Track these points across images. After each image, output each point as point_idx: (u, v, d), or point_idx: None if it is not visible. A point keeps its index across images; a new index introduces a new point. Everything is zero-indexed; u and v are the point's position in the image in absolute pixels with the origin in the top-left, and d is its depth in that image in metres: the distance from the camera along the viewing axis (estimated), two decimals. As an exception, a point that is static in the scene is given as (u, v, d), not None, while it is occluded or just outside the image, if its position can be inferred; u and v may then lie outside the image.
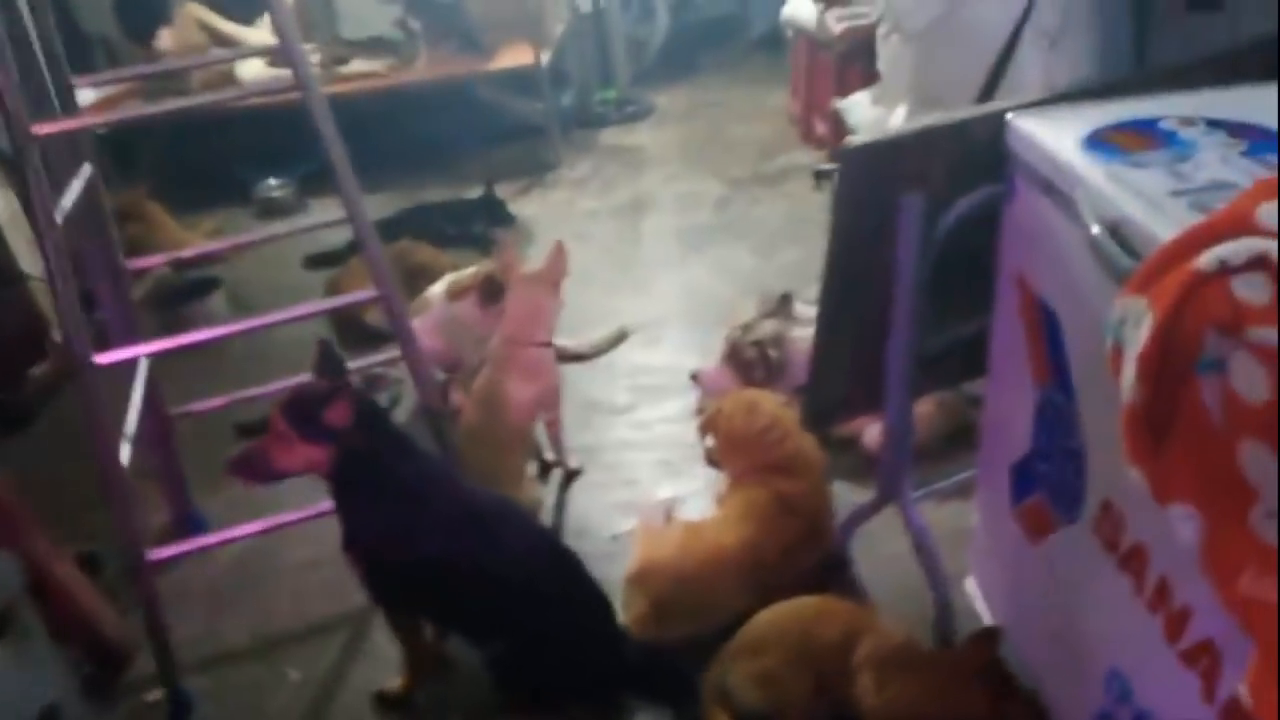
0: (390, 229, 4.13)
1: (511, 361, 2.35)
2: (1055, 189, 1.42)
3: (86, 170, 2.04)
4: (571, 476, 2.59)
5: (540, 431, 2.57)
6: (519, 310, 2.40)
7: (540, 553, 1.86)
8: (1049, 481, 1.56)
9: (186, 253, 3.45)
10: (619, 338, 3.23)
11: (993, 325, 1.74)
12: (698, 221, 4.08)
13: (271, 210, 4.83)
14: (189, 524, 2.57)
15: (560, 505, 2.50)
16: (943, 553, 1.95)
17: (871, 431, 2.36)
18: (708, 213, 4.16)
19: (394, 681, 1.99)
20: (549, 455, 2.61)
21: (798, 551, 2.04)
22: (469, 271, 3.09)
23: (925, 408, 2.31)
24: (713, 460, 2.48)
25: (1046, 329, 1.50)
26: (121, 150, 4.85)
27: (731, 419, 2.20)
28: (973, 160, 1.63)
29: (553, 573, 1.84)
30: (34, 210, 1.67)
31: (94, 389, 1.79)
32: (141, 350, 2.04)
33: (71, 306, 1.73)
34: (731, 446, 2.21)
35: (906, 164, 1.63)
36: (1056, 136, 1.45)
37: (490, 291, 2.71)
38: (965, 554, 2.01)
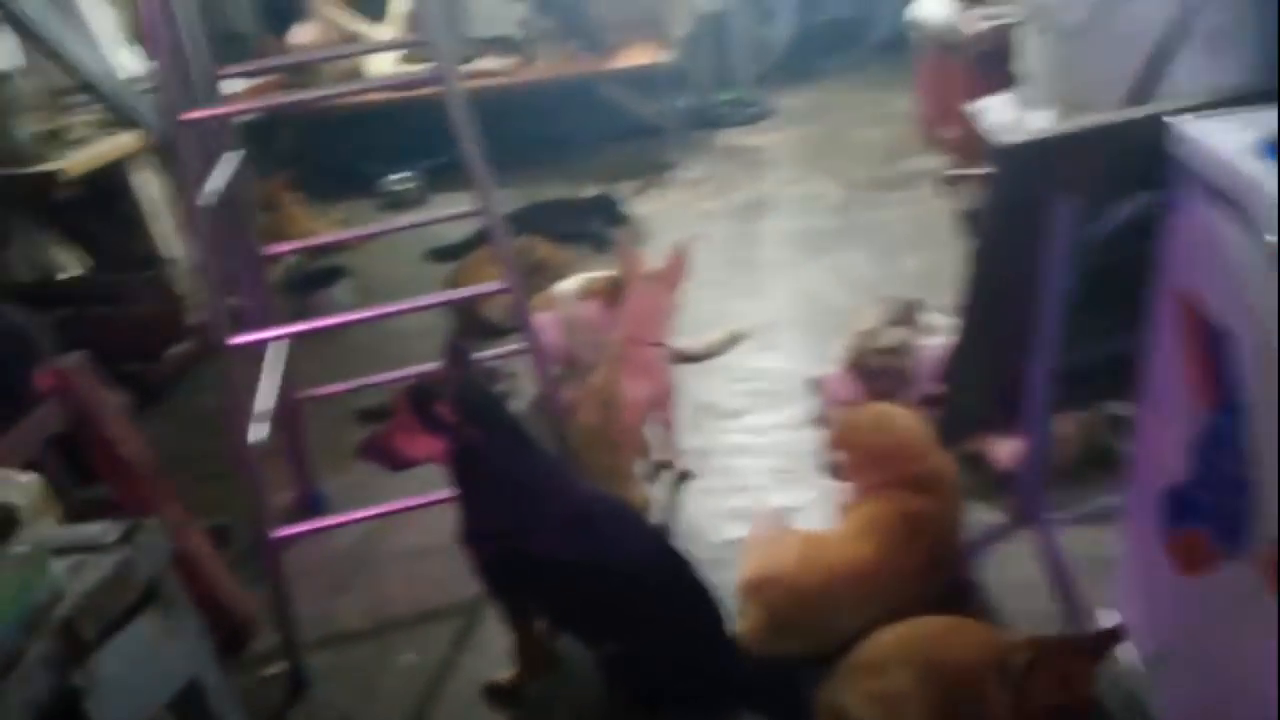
0: (510, 227, 4.19)
1: (627, 361, 2.34)
2: (1226, 198, 1.31)
3: (233, 158, 2.11)
4: (683, 479, 2.56)
5: (653, 432, 2.55)
6: (637, 310, 2.38)
7: (654, 555, 1.83)
8: (1209, 512, 1.45)
9: (318, 241, 3.58)
10: (733, 340, 3.18)
11: (1147, 342, 1.63)
12: (816, 225, 4.00)
13: (395, 203, 4.97)
14: (311, 503, 2.65)
15: (670, 507, 2.47)
16: (1079, 582, 1.85)
17: (1003, 448, 2.26)
18: (827, 216, 4.07)
19: (504, 674, 2.00)
20: (661, 456, 2.58)
21: (924, 572, 1.96)
22: (602, 274, 3.09)
23: (1064, 427, 2.19)
24: (834, 471, 2.41)
25: (1214, 349, 1.40)
26: (259, 143, 5.05)
27: (864, 432, 2.13)
28: (1130, 165, 1.53)
29: (666, 576, 1.81)
30: (182, 194, 1.73)
31: (232, 369, 1.84)
32: (275, 334, 2.10)
33: (215, 289, 1.79)
34: (862, 460, 2.14)
35: (1062, 166, 1.54)
36: (1227, 142, 1.34)
37: (618, 295, 2.70)
38: (1103, 584, 1.90)
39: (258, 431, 1.98)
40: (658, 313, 2.38)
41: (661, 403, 2.45)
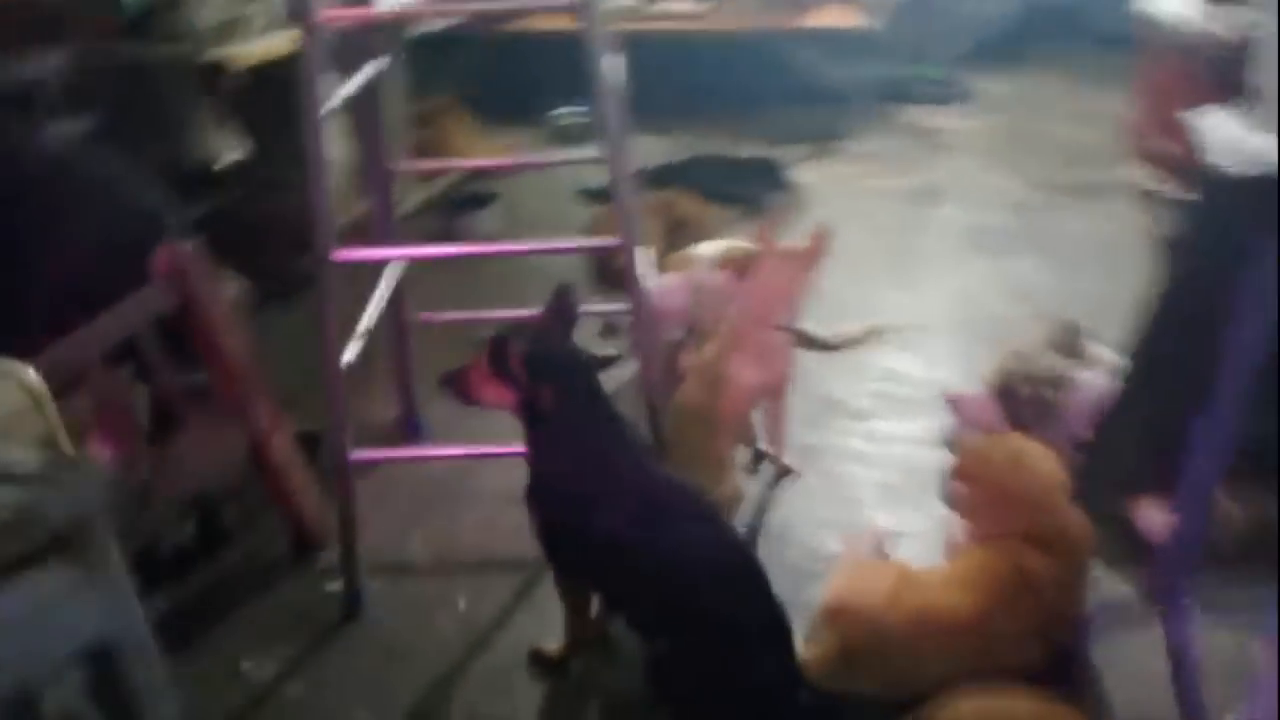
0: (663, 176, 4.04)
1: (742, 341, 2.16)
2: None
3: (371, 68, 2.04)
4: (783, 475, 2.38)
5: (760, 420, 2.38)
6: (762, 288, 2.20)
7: (723, 557, 1.68)
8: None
9: (464, 164, 3.53)
10: (873, 335, 2.95)
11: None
12: (991, 223, 3.67)
13: (563, 137, 4.88)
14: (410, 427, 2.62)
15: (763, 505, 2.30)
16: (1210, 685, 1.58)
17: (1153, 515, 1.97)
18: (1004, 215, 3.73)
19: (552, 643, 1.90)
20: (765, 446, 2.41)
21: (1028, 639, 1.73)
22: (744, 244, 2.92)
23: (1229, 505, 1.89)
24: (952, 502, 2.19)
25: None
26: (432, 61, 5.06)
27: (994, 467, 1.88)
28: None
29: (733, 582, 1.65)
30: (302, 97, 1.67)
31: (330, 284, 1.80)
32: (380, 254, 2.04)
33: (320, 200, 1.73)
34: (985, 498, 1.89)
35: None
36: None
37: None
38: (1238, 690, 1.62)
39: (353, 351, 1.94)
40: (785, 294, 2.19)
41: (774, 391, 2.27)
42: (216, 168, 3.53)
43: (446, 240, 3.78)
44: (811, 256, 2.20)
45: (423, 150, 4.12)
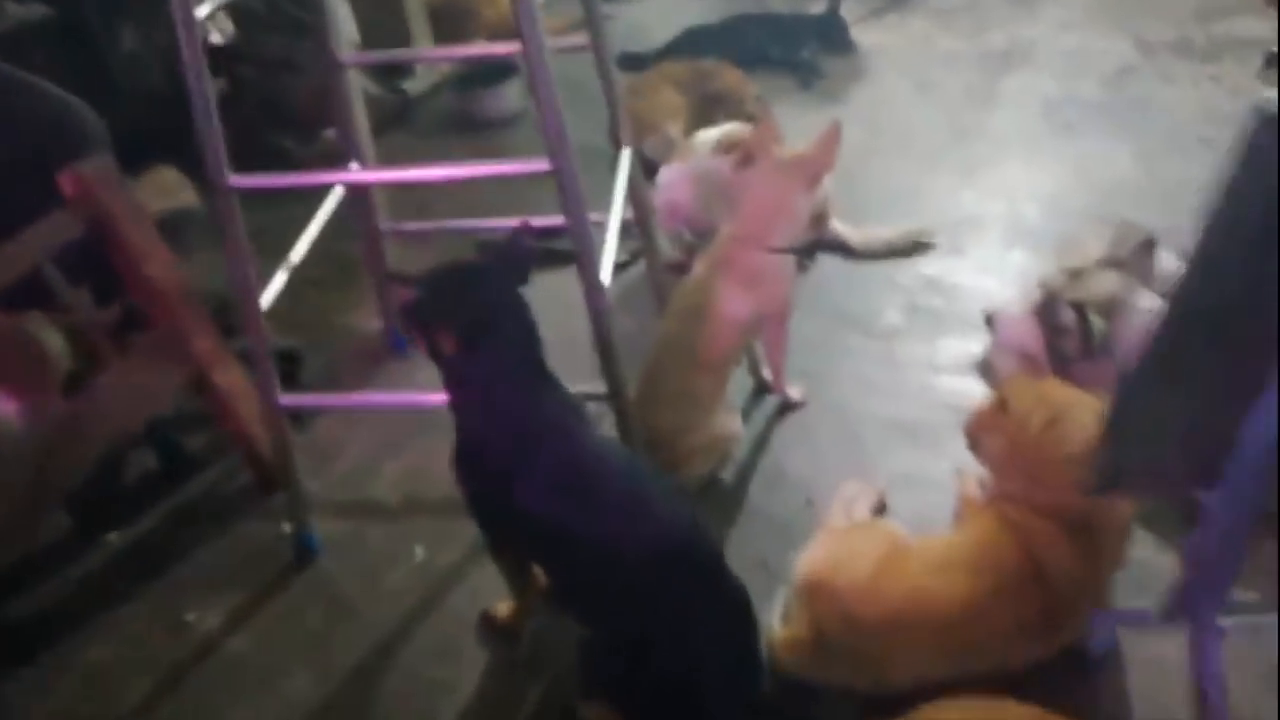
0: (703, 41, 3.62)
1: (732, 263, 1.86)
2: None
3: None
4: (786, 410, 2.12)
5: (758, 348, 2.11)
6: (757, 201, 1.88)
7: (668, 540, 1.44)
8: None
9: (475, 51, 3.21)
10: (914, 243, 2.56)
11: None
12: (1080, 94, 3.16)
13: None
14: (395, 342, 2.45)
15: (759, 444, 2.05)
16: (1239, 699, 1.32)
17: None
18: (1097, 84, 3.20)
19: (503, 607, 1.75)
20: (766, 373, 2.14)
21: (1031, 633, 1.48)
22: (746, 129, 2.57)
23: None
24: (975, 448, 1.90)
25: None
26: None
27: (1026, 418, 1.56)
28: None
29: (674, 568, 1.42)
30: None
31: (230, 212, 1.57)
32: (278, 182, 1.77)
33: (207, 117, 1.48)
34: (1008, 457, 1.60)
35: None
36: None
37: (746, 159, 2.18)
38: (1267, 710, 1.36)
39: (275, 288, 1.73)
40: (782, 209, 1.86)
41: (771, 318, 1.98)
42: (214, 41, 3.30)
43: (464, 122, 3.50)
44: (817, 165, 1.86)
45: (443, 7, 3.80)
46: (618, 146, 2.03)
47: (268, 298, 1.70)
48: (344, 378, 2.39)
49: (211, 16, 1.50)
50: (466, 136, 3.46)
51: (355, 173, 1.92)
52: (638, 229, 2.19)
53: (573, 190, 1.51)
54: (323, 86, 3.20)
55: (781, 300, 1.95)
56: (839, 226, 2.57)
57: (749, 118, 3.18)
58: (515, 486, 1.43)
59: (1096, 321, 1.93)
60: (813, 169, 1.85)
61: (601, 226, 1.81)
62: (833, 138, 1.83)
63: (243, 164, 1.55)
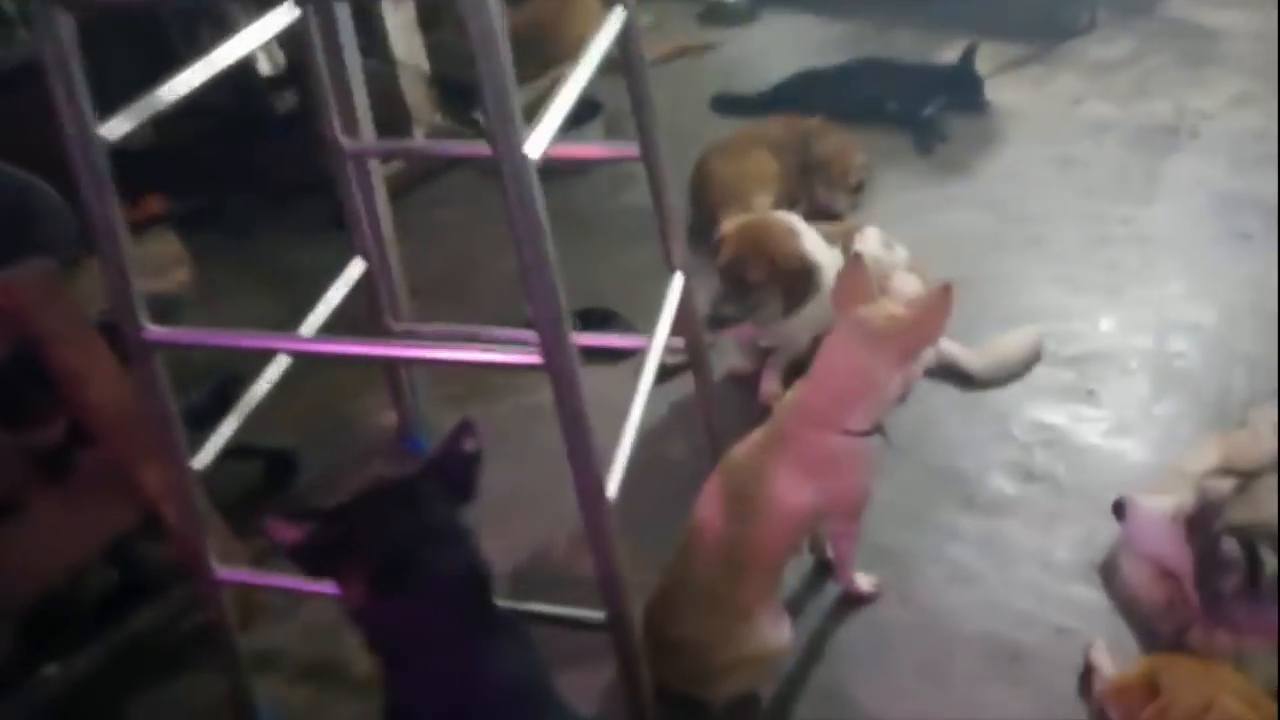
0: (816, 88, 3.19)
1: (794, 445, 1.46)
2: None
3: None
4: (852, 603, 1.70)
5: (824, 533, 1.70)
6: (833, 372, 1.45)
7: None
8: None
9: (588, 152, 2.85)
10: (1037, 355, 2.13)
11: None
12: (1262, 192, 2.59)
13: (717, 16, 4.01)
14: (410, 445, 2.13)
15: (813, 651, 1.64)
16: None
17: None
18: (1274, 178, 2.64)
19: None
20: (830, 550, 1.73)
21: None
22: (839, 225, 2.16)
23: None
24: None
25: None
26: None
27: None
28: None
29: None
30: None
31: (148, 369, 1.25)
32: (199, 339, 1.40)
33: (118, 264, 1.16)
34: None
35: None
36: None
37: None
38: None
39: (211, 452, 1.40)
40: (867, 386, 1.43)
41: (840, 512, 1.57)
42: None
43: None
44: (919, 333, 1.42)
45: (523, 31, 3.44)
46: (671, 269, 1.64)
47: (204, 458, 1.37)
48: (346, 484, 2.07)
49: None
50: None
51: (304, 340, 1.53)
52: (688, 357, 1.80)
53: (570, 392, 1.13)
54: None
55: (855, 493, 1.53)
56: (950, 348, 2.13)
57: (852, 190, 2.78)
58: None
59: (1269, 561, 1.45)
60: (912, 341, 1.42)
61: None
62: (943, 302, 1.39)
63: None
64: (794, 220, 2.10)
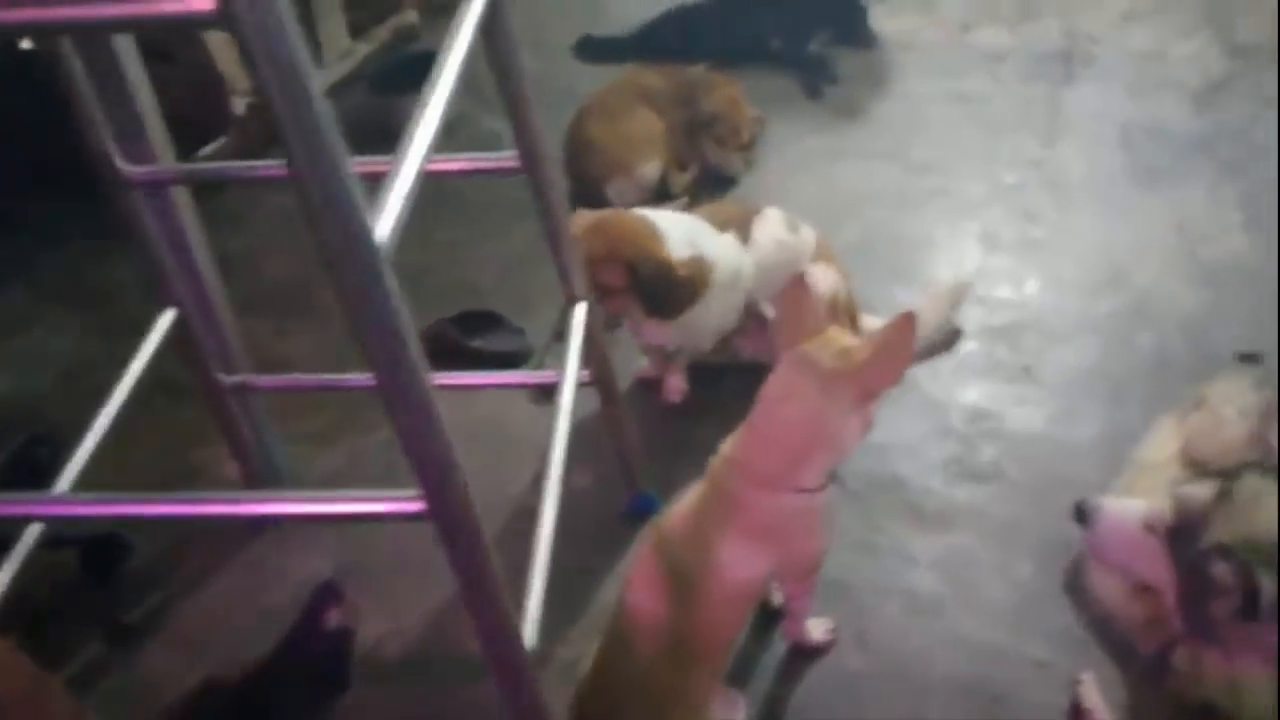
0: (689, 25, 2.89)
1: (742, 512, 1.22)
2: None
3: None
4: (808, 654, 1.51)
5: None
6: (778, 424, 1.22)
7: None
8: None
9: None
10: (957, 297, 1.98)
11: None
12: (1165, 120, 2.48)
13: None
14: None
15: (771, 710, 1.44)
16: None
17: None
18: (1185, 105, 2.53)
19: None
20: (777, 596, 1.52)
21: None
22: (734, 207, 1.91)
23: None
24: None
25: None
26: None
27: None
28: None
29: None
30: None
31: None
32: None
33: None
34: None
35: None
36: None
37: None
38: None
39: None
40: (819, 437, 1.21)
41: (794, 574, 1.36)
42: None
43: (383, 123, 2.74)
44: (876, 375, 1.18)
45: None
46: (570, 301, 1.36)
47: None
48: (186, 567, 1.73)
49: None
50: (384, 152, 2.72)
51: (69, 502, 1.17)
52: (598, 391, 1.53)
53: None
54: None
55: (812, 554, 1.32)
56: (873, 326, 1.92)
57: (743, 147, 2.51)
58: None
59: (1268, 586, 1.31)
60: (870, 381, 1.19)
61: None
62: (905, 333, 1.16)
63: None
64: (656, 218, 1.72)
